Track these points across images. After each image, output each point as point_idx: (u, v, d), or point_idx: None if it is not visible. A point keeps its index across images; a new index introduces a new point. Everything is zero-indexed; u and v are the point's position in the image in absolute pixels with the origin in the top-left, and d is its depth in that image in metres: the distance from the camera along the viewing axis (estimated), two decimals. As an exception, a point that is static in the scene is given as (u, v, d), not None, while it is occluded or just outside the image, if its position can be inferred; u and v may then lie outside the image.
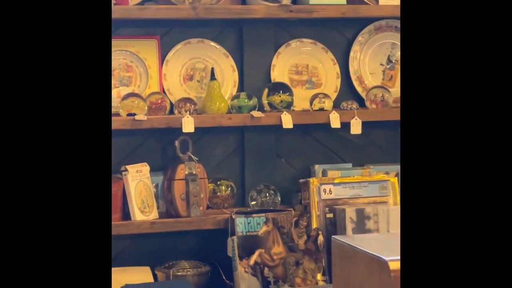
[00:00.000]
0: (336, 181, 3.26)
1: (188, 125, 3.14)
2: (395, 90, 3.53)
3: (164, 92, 3.29)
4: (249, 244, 3.14)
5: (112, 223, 2.83)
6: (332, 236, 1.95)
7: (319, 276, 3.10)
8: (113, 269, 2.54)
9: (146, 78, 3.30)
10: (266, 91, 3.34)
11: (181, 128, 3.13)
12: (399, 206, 3.23)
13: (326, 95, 3.38)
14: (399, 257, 1.69)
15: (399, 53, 3.58)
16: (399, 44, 3.57)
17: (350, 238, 1.90)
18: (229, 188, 3.37)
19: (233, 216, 3.16)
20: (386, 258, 1.69)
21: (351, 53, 3.53)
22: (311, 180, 3.23)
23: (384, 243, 1.89)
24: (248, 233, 3.15)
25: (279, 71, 3.44)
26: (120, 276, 2.98)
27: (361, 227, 3.11)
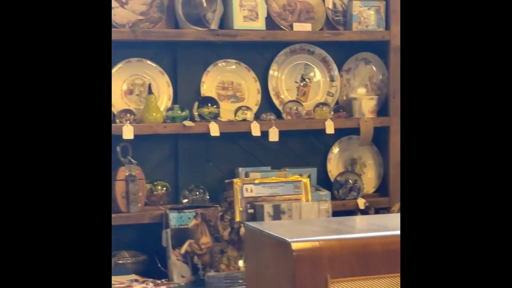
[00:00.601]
0: (256, 181, 3.27)
1: (128, 132, 3.13)
2: (307, 104, 3.55)
3: (107, 104, 3.25)
4: (181, 236, 3.13)
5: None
6: (245, 222, 1.95)
7: (240, 263, 3.10)
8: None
9: (92, 92, 3.26)
10: (196, 104, 3.33)
11: (122, 135, 3.11)
12: (310, 202, 3.25)
13: (248, 108, 3.40)
14: (301, 239, 1.70)
15: (311, 73, 3.61)
16: (311, 64, 3.60)
17: (260, 224, 1.90)
18: (164, 188, 3.35)
19: (167, 212, 3.14)
20: (289, 240, 1.69)
21: (270, 72, 3.54)
22: (235, 180, 3.23)
23: (289, 228, 1.90)
24: (180, 226, 3.14)
25: (208, 87, 3.43)
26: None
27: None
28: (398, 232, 1.77)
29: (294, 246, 1.67)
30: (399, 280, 1.70)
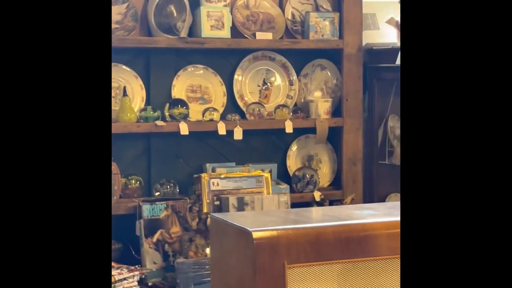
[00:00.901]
0: (222, 176, 3.27)
1: (105, 131, 3.11)
2: (269, 106, 3.56)
3: (85, 105, 3.23)
4: (153, 226, 3.13)
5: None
6: (211, 213, 1.95)
7: (207, 250, 3.10)
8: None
9: (71, 94, 3.24)
10: (167, 105, 3.33)
11: (99, 134, 3.09)
12: (271, 195, 3.27)
13: (215, 109, 3.40)
14: (261, 228, 1.71)
15: (272, 77, 3.62)
16: (272, 70, 3.62)
17: (224, 215, 1.91)
18: (138, 182, 3.34)
19: (141, 204, 3.13)
20: (250, 229, 1.70)
21: (235, 76, 3.54)
22: (203, 175, 3.24)
23: (250, 218, 1.90)
24: (152, 217, 3.13)
25: (178, 90, 3.43)
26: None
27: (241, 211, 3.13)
28: (349, 222, 1.80)
29: (255, 234, 1.68)
30: (350, 266, 1.72)
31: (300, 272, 1.69)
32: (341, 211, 1.99)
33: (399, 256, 1.73)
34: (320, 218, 1.98)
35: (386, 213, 1.85)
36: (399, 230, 1.76)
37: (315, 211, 2.15)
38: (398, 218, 1.80)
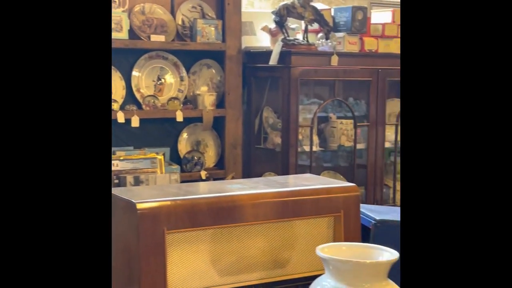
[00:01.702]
0: (121, 158, 3.21)
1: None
2: (162, 98, 3.52)
3: None
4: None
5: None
6: (102, 189, 1.89)
7: (107, 222, 3.04)
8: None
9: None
10: (72, 97, 3.22)
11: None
12: (163, 174, 3.23)
13: (115, 100, 3.32)
14: (144, 200, 1.68)
15: (166, 74, 3.57)
16: (165, 67, 3.57)
17: (115, 190, 1.85)
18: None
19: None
20: (135, 201, 1.66)
21: (133, 73, 3.47)
22: (104, 157, 3.16)
23: (137, 192, 1.86)
24: (58, 194, 3.03)
25: (82, 83, 3.33)
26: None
27: (137, 188, 3.08)
28: (220, 194, 1.79)
29: (138, 206, 1.64)
30: (220, 231, 1.72)
31: (178, 237, 1.68)
32: (216, 185, 1.98)
33: (262, 221, 1.75)
34: (197, 191, 1.97)
35: (252, 187, 1.85)
36: (262, 200, 1.79)
37: (194, 185, 2.13)
38: (262, 191, 1.82)
